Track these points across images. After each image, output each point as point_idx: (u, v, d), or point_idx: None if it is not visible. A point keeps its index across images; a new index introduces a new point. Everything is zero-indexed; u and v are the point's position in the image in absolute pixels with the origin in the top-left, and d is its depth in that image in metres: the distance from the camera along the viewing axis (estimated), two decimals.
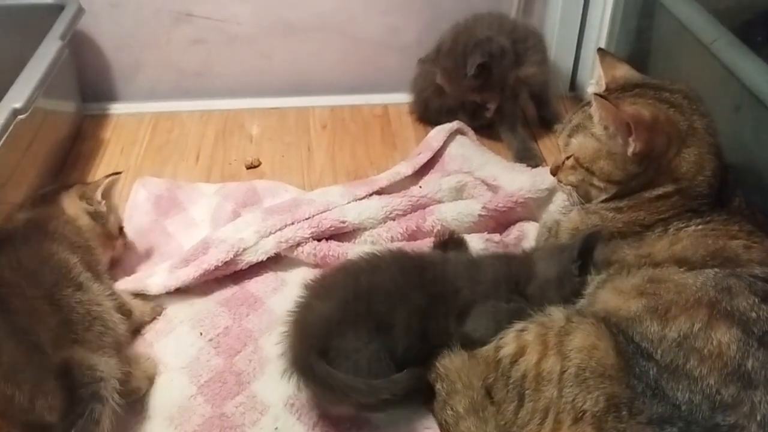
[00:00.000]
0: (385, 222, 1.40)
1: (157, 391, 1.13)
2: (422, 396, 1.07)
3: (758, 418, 0.86)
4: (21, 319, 0.98)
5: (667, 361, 0.91)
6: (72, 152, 1.71)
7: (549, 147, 1.72)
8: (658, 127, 1.09)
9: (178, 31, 1.84)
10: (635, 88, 1.17)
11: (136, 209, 1.48)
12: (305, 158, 1.71)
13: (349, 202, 1.42)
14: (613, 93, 1.17)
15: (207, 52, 1.87)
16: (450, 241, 1.27)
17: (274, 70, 1.91)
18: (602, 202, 1.17)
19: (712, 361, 0.89)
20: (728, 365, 0.88)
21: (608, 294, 1.04)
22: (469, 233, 1.37)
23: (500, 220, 1.42)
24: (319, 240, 1.36)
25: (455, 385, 1.04)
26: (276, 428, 1.08)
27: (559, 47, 1.87)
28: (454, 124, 1.65)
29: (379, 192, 1.48)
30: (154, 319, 1.25)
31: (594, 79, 1.77)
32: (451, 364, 1.06)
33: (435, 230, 1.38)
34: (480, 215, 1.39)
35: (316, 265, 1.34)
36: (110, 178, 1.29)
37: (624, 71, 1.23)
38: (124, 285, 1.27)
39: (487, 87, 1.64)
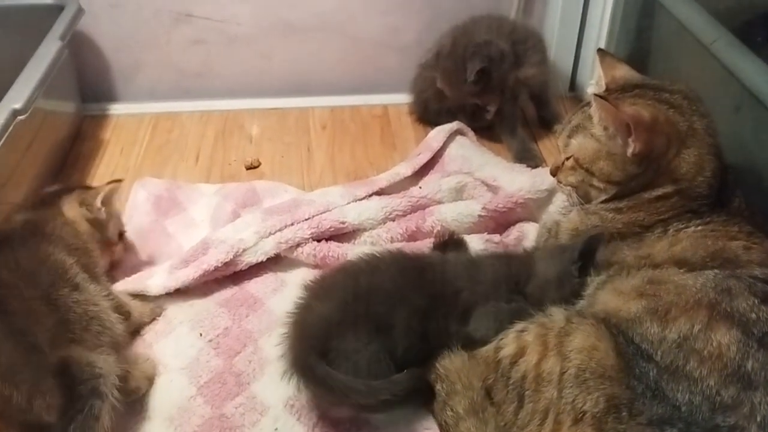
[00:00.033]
0: (384, 223, 1.40)
1: (156, 391, 1.13)
2: (422, 397, 1.07)
3: (758, 419, 0.86)
4: (18, 319, 0.98)
5: (667, 362, 0.91)
6: (72, 153, 1.71)
7: (549, 147, 1.72)
8: (658, 128, 1.09)
9: (177, 32, 1.84)
10: (635, 89, 1.17)
11: (136, 210, 1.48)
12: (305, 159, 1.71)
13: (348, 203, 1.42)
14: (612, 93, 1.17)
15: (207, 53, 1.87)
16: (450, 242, 1.27)
17: (274, 71, 1.91)
18: (602, 202, 1.16)
19: (712, 363, 0.89)
20: (728, 366, 0.88)
21: (608, 295, 1.04)
22: (469, 234, 1.37)
23: (500, 221, 1.42)
24: (318, 241, 1.36)
25: (455, 386, 1.04)
26: (276, 429, 1.08)
27: (558, 48, 1.87)
28: (454, 125, 1.65)
29: (379, 192, 1.48)
30: (153, 319, 1.25)
31: (594, 80, 1.77)
32: (451, 364, 1.06)
33: (435, 231, 1.38)
34: (480, 216, 1.39)
35: (315, 266, 1.34)
36: (111, 186, 1.28)
37: (624, 72, 1.23)
38: (124, 286, 1.27)
39: (487, 91, 1.64)
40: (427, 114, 1.80)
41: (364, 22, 1.86)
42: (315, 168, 1.68)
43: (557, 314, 1.00)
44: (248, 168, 1.67)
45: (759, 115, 1.22)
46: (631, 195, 1.13)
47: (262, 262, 1.32)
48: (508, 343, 1.01)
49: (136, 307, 1.22)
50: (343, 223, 1.37)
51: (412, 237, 1.38)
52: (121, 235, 1.33)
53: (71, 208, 1.22)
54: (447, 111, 1.74)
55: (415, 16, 1.86)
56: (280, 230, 1.35)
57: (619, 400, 0.89)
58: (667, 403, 0.88)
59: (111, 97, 1.90)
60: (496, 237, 1.39)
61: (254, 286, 1.31)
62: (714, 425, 0.86)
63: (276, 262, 1.35)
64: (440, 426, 1.05)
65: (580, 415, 0.90)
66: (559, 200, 1.34)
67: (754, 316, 0.92)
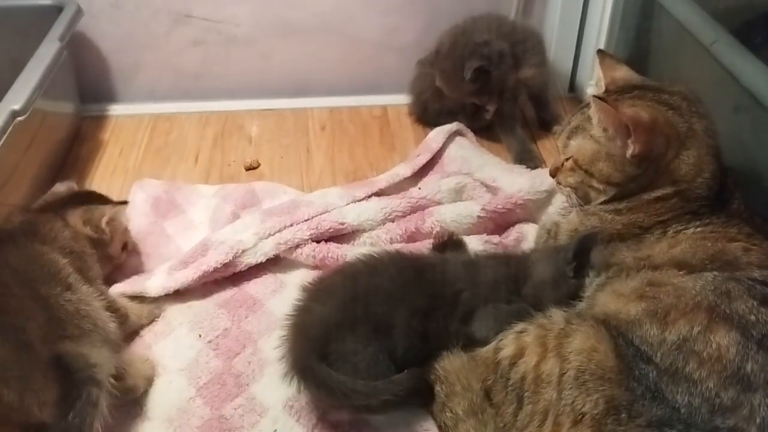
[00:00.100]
0: (384, 223, 1.40)
1: (155, 392, 1.13)
2: (422, 398, 1.07)
3: (757, 420, 0.86)
4: (7, 317, 0.98)
5: (666, 364, 0.91)
6: (71, 153, 1.71)
7: (548, 148, 1.72)
8: (657, 129, 1.09)
9: (177, 33, 1.84)
10: (634, 90, 1.17)
11: (135, 211, 1.47)
12: (304, 160, 1.71)
13: (348, 204, 1.42)
14: (612, 95, 1.17)
15: (206, 54, 1.87)
16: (449, 243, 1.27)
17: (273, 72, 1.91)
18: (601, 203, 1.17)
19: (711, 364, 0.89)
20: (727, 368, 0.88)
21: (608, 297, 1.04)
22: (468, 235, 1.37)
23: (499, 222, 1.42)
24: (318, 242, 1.35)
25: (454, 387, 1.04)
26: (275, 430, 1.08)
27: (558, 48, 1.87)
28: (454, 126, 1.65)
29: (378, 193, 1.48)
30: (152, 321, 1.25)
31: (593, 81, 1.77)
32: (450, 366, 1.06)
33: (434, 232, 1.38)
34: (479, 217, 1.39)
35: (315, 267, 1.34)
36: (117, 208, 1.28)
37: (623, 73, 1.23)
38: (123, 287, 1.27)
39: (485, 90, 1.64)
40: (427, 115, 1.80)
41: (363, 22, 1.86)
42: (314, 169, 1.68)
43: (557, 316, 1.00)
44: (247, 169, 1.67)
45: (758, 115, 1.22)
46: (630, 196, 1.13)
47: (261, 264, 1.32)
48: (507, 344, 1.01)
49: (134, 309, 1.22)
50: (343, 224, 1.37)
51: (411, 238, 1.38)
52: (125, 245, 1.33)
53: (75, 223, 1.22)
54: (446, 112, 1.74)
55: (414, 17, 1.86)
56: (279, 231, 1.35)
57: (618, 402, 0.89)
58: (667, 405, 0.88)
59: (110, 97, 1.90)
60: (496, 238, 1.39)
61: (253, 287, 1.31)
62: (713, 427, 0.86)
63: (275, 263, 1.35)
64: (439, 427, 1.05)
65: (580, 416, 0.90)
66: (559, 201, 1.34)
67: (753, 318, 0.92)
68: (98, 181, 1.61)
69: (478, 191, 1.48)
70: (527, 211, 1.42)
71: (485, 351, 1.04)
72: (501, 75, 1.63)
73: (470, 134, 1.67)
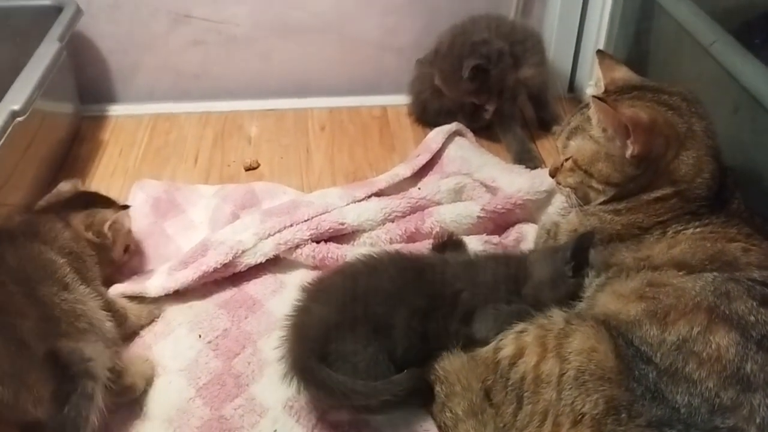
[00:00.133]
0: (383, 224, 1.40)
1: (155, 393, 1.13)
2: (422, 398, 1.07)
3: (757, 420, 0.86)
4: (3, 316, 0.98)
5: (666, 364, 0.91)
6: (71, 154, 1.71)
7: (548, 148, 1.72)
8: (657, 130, 1.09)
9: (176, 33, 1.83)
10: (634, 91, 1.17)
11: (135, 211, 1.47)
12: (304, 160, 1.71)
13: (347, 204, 1.42)
14: (611, 95, 1.17)
15: (205, 54, 1.87)
16: (449, 243, 1.27)
17: (273, 72, 1.91)
18: (601, 204, 1.17)
19: (711, 365, 0.89)
20: (727, 368, 0.88)
21: (607, 297, 1.04)
22: (468, 235, 1.37)
23: (499, 222, 1.42)
24: (318, 242, 1.35)
25: (454, 388, 1.04)
26: (275, 430, 1.08)
27: (557, 48, 1.87)
28: (453, 126, 1.65)
29: (378, 194, 1.48)
30: (152, 321, 1.25)
31: (593, 81, 1.77)
32: (450, 366, 1.06)
33: (434, 232, 1.38)
34: (479, 217, 1.39)
35: (315, 267, 1.34)
36: (120, 213, 1.28)
37: (623, 73, 1.23)
38: (123, 287, 1.27)
39: (483, 89, 1.64)
40: (426, 115, 1.80)
41: (362, 22, 1.86)
42: (314, 169, 1.68)
43: (557, 316, 1.01)
44: (247, 169, 1.67)
45: (758, 116, 1.22)
46: (629, 197, 1.13)
47: (261, 264, 1.32)
48: (507, 344, 1.01)
49: (134, 310, 1.22)
50: (342, 224, 1.37)
51: (411, 238, 1.38)
52: (127, 248, 1.33)
53: (78, 228, 1.21)
54: (446, 112, 1.74)
55: (414, 17, 1.86)
56: (279, 231, 1.35)
57: (618, 402, 0.89)
58: (667, 405, 0.88)
59: (110, 98, 1.90)
60: (495, 238, 1.39)
61: (253, 287, 1.31)
62: (713, 427, 0.86)
63: (275, 264, 1.35)
64: (439, 427, 1.05)
65: (579, 416, 0.90)
66: (558, 201, 1.34)
67: (752, 318, 0.92)
68: (98, 182, 1.61)
69: (478, 191, 1.48)
70: (527, 211, 1.42)
71: (485, 351, 1.04)
72: (500, 74, 1.63)
73: (470, 134, 1.68)
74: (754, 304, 0.93)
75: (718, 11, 1.39)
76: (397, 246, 1.35)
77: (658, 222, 1.10)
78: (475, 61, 1.58)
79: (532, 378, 0.96)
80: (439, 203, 1.44)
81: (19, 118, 1.33)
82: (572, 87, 1.94)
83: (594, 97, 1.12)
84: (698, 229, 1.06)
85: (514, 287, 1.11)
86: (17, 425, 0.98)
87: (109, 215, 1.25)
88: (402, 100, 1.86)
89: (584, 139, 1.16)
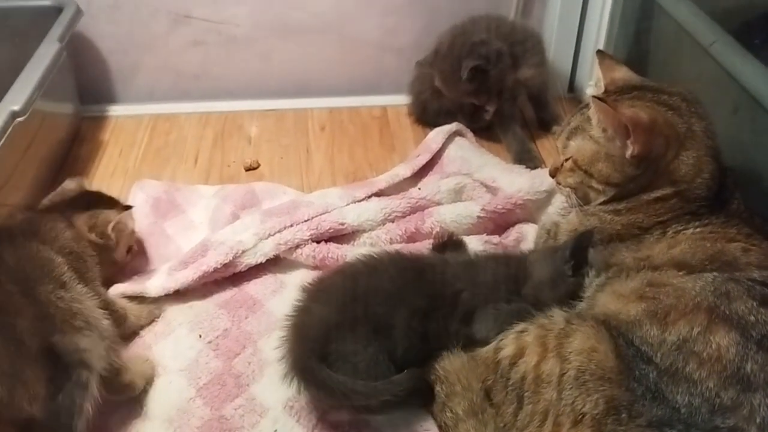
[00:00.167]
0: (384, 224, 1.40)
1: (155, 393, 1.13)
2: (422, 398, 1.07)
3: (757, 420, 0.86)
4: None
5: (666, 364, 0.91)
6: (70, 154, 1.71)
7: (548, 148, 1.72)
8: (657, 130, 1.09)
9: (176, 33, 1.84)
10: (634, 91, 1.17)
11: (135, 212, 1.47)
12: (304, 160, 1.71)
13: (347, 204, 1.42)
14: (611, 95, 1.17)
15: (205, 54, 1.87)
16: (449, 243, 1.27)
17: (273, 72, 1.91)
18: (601, 204, 1.17)
19: (711, 365, 0.89)
20: (727, 368, 0.88)
21: (608, 297, 1.04)
22: (468, 235, 1.37)
23: (499, 222, 1.42)
24: (318, 242, 1.35)
25: (454, 387, 1.04)
26: (275, 430, 1.08)
27: (557, 48, 1.87)
28: (453, 126, 1.65)
29: (378, 194, 1.48)
30: (152, 321, 1.25)
31: (593, 81, 1.77)
32: (451, 366, 1.06)
33: (434, 232, 1.38)
34: (479, 217, 1.39)
35: (315, 267, 1.34)
36: (123, 214, 1.28)
37: (623, 73, 1.23)
38: (123, 287, 1.27)
39: (482, 90, 1.64)
40: (426, 115, 1.80)
41: (362, 23, 1.86)
42: (314, 169, 1.68)
43: (557, 316, 1.01)
44: (247, 169, 1.67)
45: (757, 116, 1.22)
46: (629, 197, 1.13)
47: (261, 264, 1.32)
48: (507, 344, 1.01)
49: (134, 310, 1.22)
50: (343, 224, 1.37)
51: (411, 238, 1.38)
52: (130, 249, 1.33)
53: (81, 230, 1.21)
54: (446, 112, 1.74)
55: (413, 17, 1.86)
56: (279, 232, 1.35)
57: (618, 402, 0.89)
58: (667, 405, 0.88)
59: (110, 98, 1.90)
60: (495, 238, 1.39)
61: (253, 287, 1.31)
62: (713, 427, 0.86)
63: (275, 264, 1.35)
64: (440, 427, 1.05)
65: (580, 416, 0.90)
66: (558, 201, 1.34)
67: (752, 318, 0.92)
68: (98, 182, 1.61)
69: (478, 191, 1.48)
70: (527, 211, 1.42)
71: (485, 351, 1.04)
72: (499, 75, 1.63)
73: (470, 134, 1.68)
74: (754, 304, 0.93)
75: (717, 11, 1.39)
76: (397, 246, 1.35)
77: (658, 222, 1.10)
78: (473, 62, 1.58)
79: (532, 378, 0.96)
80: (439, 203, 1.44)
81: (19, 119, 1.33)
82: (572, 87, 1.94)
83: (594, 97, 1.12)
84: (698, 229, 1.07)
85: (515, 287, 1.11)
86: (13, 423, 0.98)
87: (112, 216, 1.25)
88: (402, 100, 1.86)
89: (584, 139, 1.16)
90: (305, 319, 1.06)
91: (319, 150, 1.74)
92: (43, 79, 1.44)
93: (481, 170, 1.53)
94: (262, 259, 1.32)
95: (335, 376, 0.99)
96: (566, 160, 1.20)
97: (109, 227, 1.23)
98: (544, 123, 1.79)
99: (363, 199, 1.44)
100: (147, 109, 1.88)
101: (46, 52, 1.51)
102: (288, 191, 1.56)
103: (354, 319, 1.04)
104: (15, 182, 1.38)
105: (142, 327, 1.23)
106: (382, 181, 1.51)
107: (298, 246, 1.34)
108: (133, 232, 1.34)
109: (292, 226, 1.36)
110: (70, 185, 1.32)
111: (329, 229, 1.36)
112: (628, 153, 1.09)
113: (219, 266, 1.28)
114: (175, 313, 1.26)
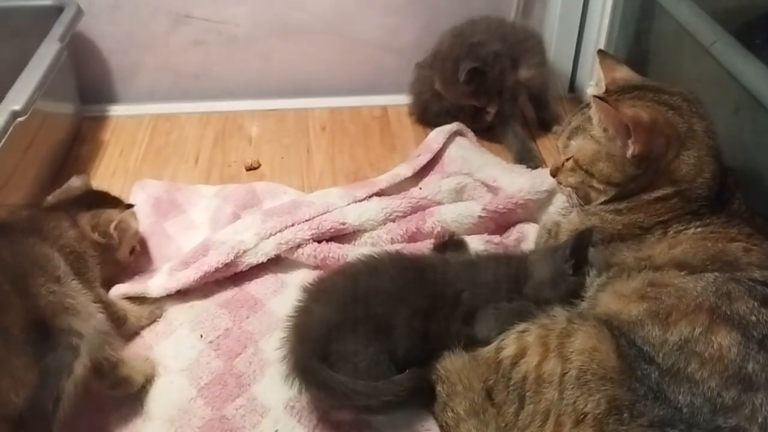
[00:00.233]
0: (385, 224, 1.40)
1: (156, 393, 1.13)
2: (423, 398, 1.07)
3: (759, 420, 0.86)
4: None
5: (668, 364, 0.91)
6: (71, 154, 1.71)
7: (548, 148, 1.72)
8: (657, 130, 1.09)
9: (177, 33, 1.84)
10: (634, 91, 1.17)
11: (136, 212, 1.48)
12: (304, 160, 1.71)
13: (348, 204, 1.42)
14: (612, 95, 1.17)
15: (206, 54, 1.87)
16: (450, 243, 1.27)
17: (273, 72, 1.91)
18: (602, 204, 1.17)
19: (712, 365, 0.89)
20: (729, 368, 0.88)
21: (609, 297, 1.04)
22: (469, 235, 1.37)
23: (500, 222, 1.42)
24: (319, 242, 1.35)
25: (456, 387, 1.04)
26: (276, 430, 1.08)
27: (558, 48, 1.87)
28: (454, 126, 1.65)
29: (379, 194, 1.48)
30: (153, 321, 1.24)
31: (593, 81, 1.78)
32: (452, 365, 1.06)
33: (435, 232, 1.38)
34: (480, 217, 1.39)
35: (316, 267, 1.34)
36: (125, 213, 1.27)
37: (624, 73, 1.23)
38: (124, 288, 1.27)
39: (481, 92, 1.64)
40: (427, 115, 1.80)
41: (363, 23, 1.86)
42: (315, 169, 1.68)
43: (559, 315, 1.01)
44: (248, 169, 1.67)
45: (758, 116, 1.22)
46: (630, 196, 1.13)
47: (262, 264, 1.32)
48: (509, 344, 1.01)
49: (134, 311, 1.22)
50: (344, 224, 1.37)
51: (412, 238, 1.38)
52: (133, 249, 1.32)
53: (84, 228, 1.21)
54: (447, 112, 1.74)
55: (414, 18, 1.86)
56: (280, 231, 1.35)
57: (620, 402, 0.89)
58: (669, 405, 0.88)
59: (110, 98, 1.90)
60: (496, 238, 1.39)
61: (254, 287, 1.31)
62: (715, 426, 0.86)
63: (276, 264, 1.35)
64: (441, 427, 1.05)
65: (581, 416, 0.90)
66: (559, 201, 1.34)
67: (754, 318, 0.92)
68: (99, 182, 1.60)
69: (479, 191, 1.48)
70: (528, 211, 1.42)
71: (487, 351, 1.04)
72: (497, 76, 1.63)
73: (471, 134, 1.68)
74: (756, 304, 0.93)
75: (718, 11, 1.39)
76: (398, 246, 1.35)
77: (659, 222, 1.10)
78: (470, 64, 1.58)
79: (533, 378, 0.96)
80: (440, 203, 1.44)
81: (19, 119, 1.33)
82: (573, 87, 1.94)
83: (595, 96, 1.12)
84: (699, 229, 1.07)
85: (516, 287, 1.11)
86: (5, 419, 0.97)
87: (114, 215, 1.25)
88: (403, 100, 1.86)
89: (585, 139, 1.16)
90: (306, 319, 1.06)
91: (319, 150, 1.74)
92: (44, 79, 1.44)
93: (482, 170, 1.53)
94: (263, 259, 1.32)
95: (336, 377, 0.99)
96: (567, 159, 1.20)
97: (111, 226, 1.23)
98: (544, 123, 1.79)
99: (364, 199, 1.44)
100: (147, 109, 1.88)
101: (47, 52, 1.51)
102: (289, 191, 1.56)
103: (355, 320, 1.04)
104: (15, 182, 1.38)
105: (143, 327, 1.23)
106: (383, 180, 1.51)
107: (299, 246, 1.34)
108: (136, 232, 1.34)
109: (293, 225, 1.36)
110: (75, 182, 1.31)
111: (330, 228, 1.36)
112: (629, 153, 1.09)
113: (220, 266, 1.28)
114: (176, 313, 1.26)
